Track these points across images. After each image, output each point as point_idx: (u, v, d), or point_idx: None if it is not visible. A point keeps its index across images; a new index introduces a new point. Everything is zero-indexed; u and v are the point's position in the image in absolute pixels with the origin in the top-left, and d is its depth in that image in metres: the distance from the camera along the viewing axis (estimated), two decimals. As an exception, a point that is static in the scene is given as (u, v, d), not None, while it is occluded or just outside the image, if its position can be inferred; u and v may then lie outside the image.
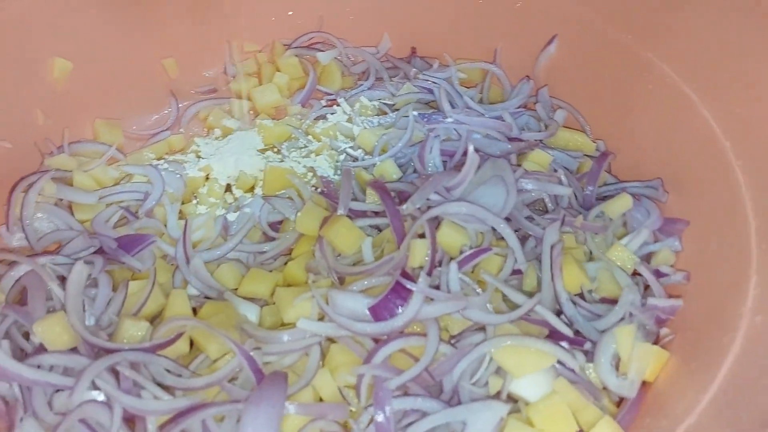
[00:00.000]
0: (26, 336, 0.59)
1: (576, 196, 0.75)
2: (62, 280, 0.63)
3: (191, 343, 0.61)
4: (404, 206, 0.65)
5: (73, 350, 0.57)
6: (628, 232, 0.71)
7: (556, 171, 0.75)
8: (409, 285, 0.58)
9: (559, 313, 0.63)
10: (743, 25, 0.64)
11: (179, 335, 0.58)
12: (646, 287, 0.66)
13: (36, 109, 0.77)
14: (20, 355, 0.58)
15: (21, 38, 0.73)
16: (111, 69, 0.83)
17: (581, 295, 0.65)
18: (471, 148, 0.67)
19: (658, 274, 0.66)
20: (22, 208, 0.70)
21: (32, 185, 0.71)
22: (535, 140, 0.78)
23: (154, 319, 0.63)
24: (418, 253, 0.62)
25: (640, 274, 0.66)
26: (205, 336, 0.58)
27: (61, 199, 0.74)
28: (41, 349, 0.57)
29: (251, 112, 0.91)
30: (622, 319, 0.62)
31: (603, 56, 0.80)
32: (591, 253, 0.69)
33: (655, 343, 0.62)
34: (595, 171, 0.76)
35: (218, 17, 0.91)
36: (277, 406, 0.52)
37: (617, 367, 0.59)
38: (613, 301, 0.64)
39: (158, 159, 0.82)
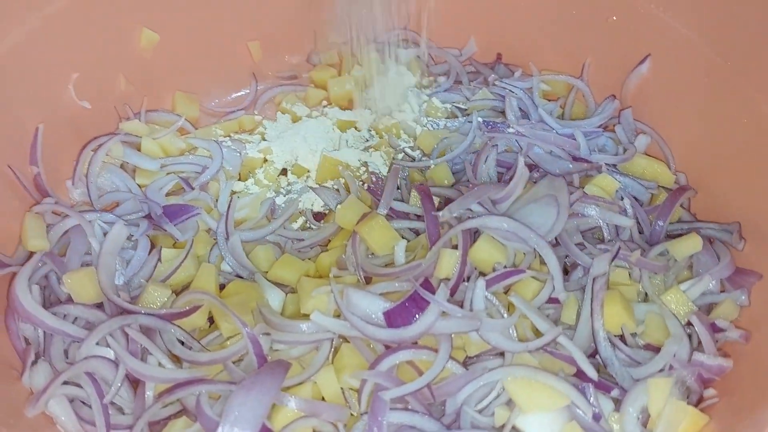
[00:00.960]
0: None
1: (642, 229, 0.69)
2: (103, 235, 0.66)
3: (212, 319, 0.62)
4: (441, 212, 0.62)
5: (99, 306, 0.60)
6: (694, 277, 0.65)
7: (622, 199, 0.69)
8: (425, 295, 0.55)
9: (594, 353, 0.58)
10: None
11: (196, 308, 0.59)
12: (699, 342, 0.59)
13: (119, 74, 0.81)
14: (55, 302, 0.61)
15: (114, 6, 0.77)
16: (196, 45, 0.86)
17: (622, 338, 0.59)
18: (521, 161, 0.63)
19: (715, 328, 0.59)
20: (89, 165, 0.74)
21: (102, 145, 0.75)
22: (606, 164, 0.72)
23: (185, 289, 0.65)
24: (446, 263, 0.59)
25: (693, 325, 0.60)
26: (221, 314, 0.59)
27: (127, 162, 0.77)
28: (70, 299, 0.59)
29: (325, 101, 0.91)
30: (662, 370, 0.56)
31: (697, 82, 0.73)
32: (645, 294, 0.63)
33: (697, 404, 0.55)
34: (668, 205, 0.69)
35: (307, 7, 0.91)
36: (269, 394, 0.51)
37: (645, 424, 0.54)
38: (659, 350, 0.58)
39: (225, 136, 0.84)
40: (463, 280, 0.59)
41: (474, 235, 0.62)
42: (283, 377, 0.53)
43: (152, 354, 0.55)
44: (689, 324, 0.60)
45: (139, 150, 0.78)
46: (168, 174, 0.76)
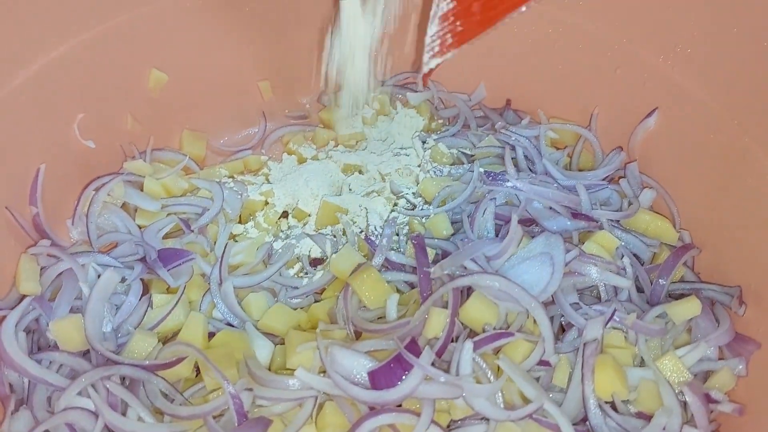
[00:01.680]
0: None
1: (641, 288, 0.67)
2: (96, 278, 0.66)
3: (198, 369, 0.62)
4: (433, 269, 0.61)
5: (86, 353, 0.60)
6: (692, 341, 0.63)
7: (622, 257, 0.67)
8: (408, 358, 0.54)
9: (584, 420, 0.56)
10: None
11: (180, 359, 0.58)
12: (692, 415, 0.57)
13: (127, 113, 0.82)
14: (44, 346, 0.61)
15: (123, 47, 0.78)
16: (206, 84, 0.87)
17: (613, 405, 0.57)
18: (514, 219, 0.62)
19: (709, 399, 0.57)
20: (90, 205, 0.74)
21: (104, 185, 0.76)
22: (608, 220, 0.71)
23: (174, 336, 0.65)
24: (435, 322, 0.58)
25: (685, 394, 0.58)
26: (205, 366, 0.58)
27: (127, 203, 0.78)
28: (56, 346, 0.59)
29: (333, 142, 0.91)
30: (652, 443, 0.54)
31: (705, 139, 0.72)
32: (642, 359, 0.61)
33: (688, 481, 0.53)
34: (670, 264, 0.68)
35: (318, 48, 0.92)
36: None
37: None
38: (650, 418, 0.56)
39: (230, 177, 0.85)
40: (452, 340, 0.58)
41: (467, 291, 0.61)
42: (262, 436, 0.52)
43: (132, 407, 0.55)
44: (682, 393, 0.58)
45: (141, 190, 0.79)
46: (168, 215, 0.77)
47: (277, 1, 0.85)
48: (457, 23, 0.57)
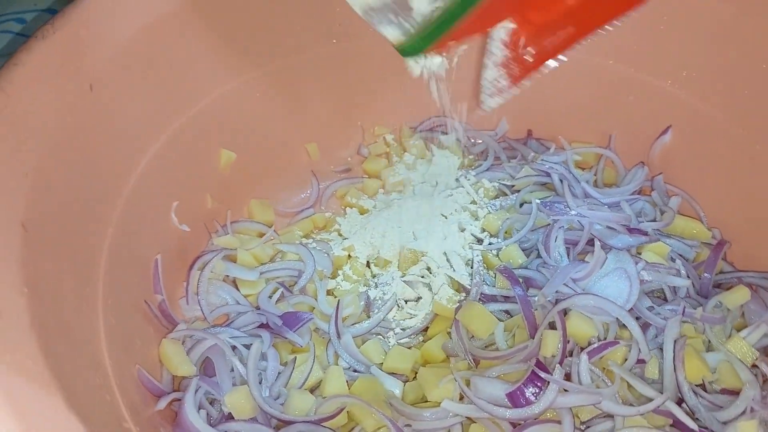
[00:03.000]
0: (209, 401, 0.70)
1: (693, 284, 0.79)
2: (232, 348, 0.74)
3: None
4: (536, 297, 0.72)
5: (253, 419, 0.68)
6: (747, 323, 0.76)
7: (674, 261, 0.80)
8: (544, 375, 0.65)
9: (680, 402, 0.68)
10: None
11: (341, 410, 0.67)
12: (765, 380, 0.70)
13: (206, 194, 0.90)
14: (207, 419, 0.69)
15: (199, 134, 0.85)
16: (265, 155, 0.96)
17: (702, 386, 0.70)
18: (598, 245, 0.74)
19: (779, 368, 0.70)
20: (198, 283, 0.82)
21: (207, 264, 0.83)
22: (655, 230, 0.83)
23: (313, 390, 0.73)
24: (551, 343, 0.69)
25: (758, 367, 0.71)
26: (362, 411, 0.67)
27: (228, 276, 0.85)
28: (228, 417, 0.67)
29: (381, 189, 1.00)
30: (744, 413, 0.66)
31: (717, 147, 0.85)
32: (710, 342, 0.74)
33: (777, 438, 0.66)
34: (713, 260, 0.81)
35: (353, 106, 1.02)
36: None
37: (739, 461, 0.64)
38: (733, 392, 0.69)
39: (305, 236, 0.93)
40: (566, 356, 0.69)
41: (563, 311, 0.72)
42: (435, 464, 0.62)
43: (315, 458, 0.63)
44: (755, 366, 0.71)
45: (235, 261, 0.87)
46: (267, 281, 0.85)
47: (309, 70, 0.94)
48: (513, 67, 0.64)
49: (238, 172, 0.93)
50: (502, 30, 0.53)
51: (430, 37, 0.49)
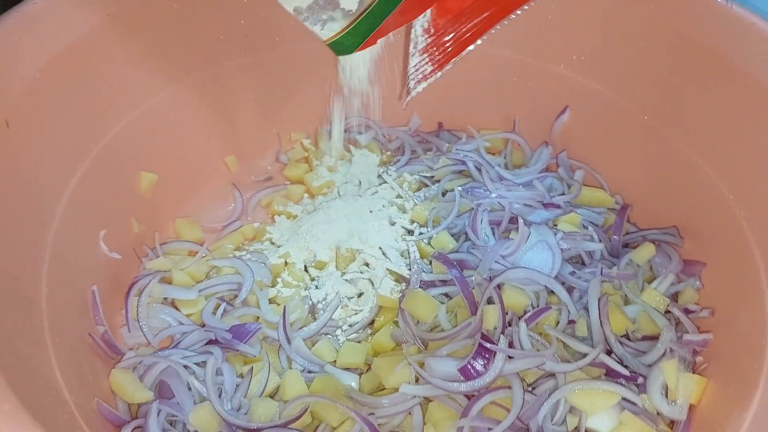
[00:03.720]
0: (170, 423, 0.70)
1: (605, 247, 0.87)
2: (185, 368, 0.74)
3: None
4: (473, 277, 0.78)
5: (219, 433, 0.69)
6: (655, 275, 0.84)
7: (586, 228, 0.88)
8: (490, 347, 0.70)
9: (609, 353, 0.75)
10: (730, 94, 0.77)
11: (305, 409, 0.69)
12: (678, 323, 0.79)
13: (131, 218, 0.88)
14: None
15: (116, 160, 0.84)
16: (185, 174, 0.95)
17: (626, 336, 0.77)
18: (521, 222, 0.80)
19: (687, 311, 0.79)
20: (138, 310, 0.81)
21: (143, 289, 0.82)
22: (566, 202, 0.91)
23: (273, 396, 0.75)
24: (491, 317, 0.74)
25: (671, 312, 0.79)
26: (325, 407, 0.70)
27: (166, 298, 0.85)
28: (194, 436, 0.68)
29: (306, 194, 1.03)
30: (664, 354, 0.74)
31: (611, 121, 0.94)
32: (626, 297, 0.82)
33: (693, 371, 0.74)
34: (618, 223, 0.89)
35: (267, 115, 1.03)
36: (402, 461, 0.63)
37: (666, 395, 0.72)
38: (653, 338, 0.77)
39: (237, 248, 0.94)
40: (506, 326, 0.74)
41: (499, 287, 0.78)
42: (404, 445, 0.65)
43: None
44: (667, 312, 0.79)
45: (171, 283, 0.86)
46: (207, 297, 0.85)
47: (221, 84, 0.95)
48: (435, 53, 0.68)
49: (160, 194, 0.92)
50: (424, 19, 0.57)
51: (360, 34, 0.51)
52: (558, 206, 0.89)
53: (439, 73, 0.67)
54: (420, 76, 0.72)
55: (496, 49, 0.98)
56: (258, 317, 0.83)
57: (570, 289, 0.81)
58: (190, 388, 0.72)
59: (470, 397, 0.70)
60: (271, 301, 0.86)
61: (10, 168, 0.67)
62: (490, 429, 0.67)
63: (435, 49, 0.62)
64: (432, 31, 0.55)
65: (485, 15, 0.54)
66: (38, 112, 0.71)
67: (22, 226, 0.68)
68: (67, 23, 0.74)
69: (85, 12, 0.75)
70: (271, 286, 0.88)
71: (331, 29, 0.52)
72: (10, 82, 0.68)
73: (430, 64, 0.68)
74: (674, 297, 0.82)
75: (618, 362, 0.73)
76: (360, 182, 1.02)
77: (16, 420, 0.45)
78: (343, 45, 0.53)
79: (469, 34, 0.61)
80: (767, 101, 0.71)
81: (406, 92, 0.77)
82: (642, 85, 0.88)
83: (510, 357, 0.70)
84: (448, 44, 0.62)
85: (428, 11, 0.56)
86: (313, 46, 0.67)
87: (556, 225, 0.87)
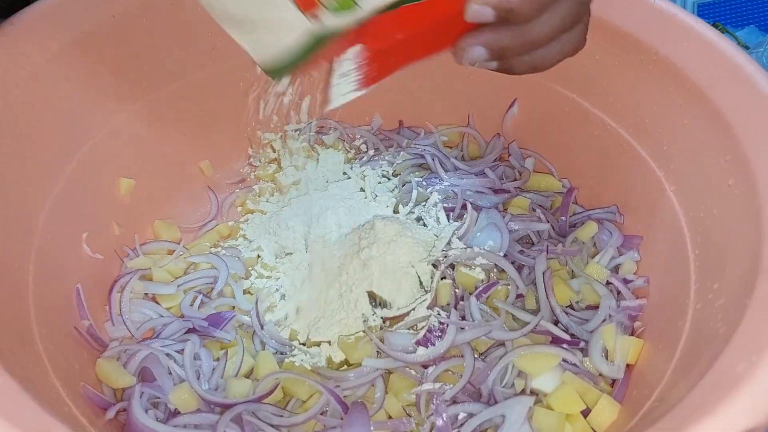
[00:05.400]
0: (154, 405, 0.76)
1: (553, 227, 0.94)
2: (167, 356, 0.80)
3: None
4: (427, 258, 0.84)
5: (197, 411, 0.75)
6: (598, 250, 0.91)
7: (534, 210, 0.95)
8: (443, 320, 0.77)
9: (556, 322, 0.82)
10: (654, 80, 0.84)
11: (276, 386, 0.76)
12: (618, 292, 0.86)
13: (112, 222, 0.95)
14: (155, 419, 0.75)
15: (95, 168, 0.90)
16: (162, 179, 1.02)
17: (571, 306, 0.84)
18: (469, 207, 0.87)
19: (625, 281, 0.86)
20: (120, 305, 0.87)
21: (125, 286, 0.89)
22: (515, 188, 0.98)
23: (248, 377, 0.81)
24: (444, 293, 0.81)
25: (611, 283, 0.86)
26: (295, 383, 0.76)
27: (147, 294, 0.91)
28: (175, 413, 0.74)
29: (277, 192, 1.09)
30: (604, 320, 0.81)
31: (556, 111, 1.00)
32: (572, 271, 0.89)
33: (632, 334, 0.81)
34: (565, 205, 0.96)
35: (238, 120, 1.09)
36: (366, 426, 0.70)
37: (607, 357, 0.79)
38: (595, 307, 0.84)
39: (213, 246, 1.00)
40: (459, 302, 0.81)
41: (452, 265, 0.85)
42: (368, 412, 0.72)
43: (263, 430, 0.72)
44: (608, 283, 0.87)
45: (151, 280, 0.92)
46: (186, 291, 0.91)
47: (192, 93, 1.01)
48: (358, 75, 0.70)
49: (138, 198, 0.99)
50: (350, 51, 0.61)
51: (286, 67, 0.56)
52: (508, 191, 0.96)
53: (362, 92, 0.70)
54: (341, 93, 0.74)
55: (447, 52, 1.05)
56: (233, 306, 0.90)
57: (520, 268, 0.88)
58: (170, 373, 0.78)
59: (426, 366, 0.77)
60: (245, 291, 0.92)
61: (-5, 177, 0.74)
62: (444, 393, 0.73)
63: (359, 72, 0.65)
64: (358, 60, 0.59)
65: (403, 55, 0.59)
66: (19, 123, 0.77)
67: (8, 229, 0.74)
68: (43, 41, 0.80)
69: (59, 30, 0.81)
70: (245, 278, 0.94)
71: (260, 54, 0.55)
72: (-10, 98, 0.74)
73: (353, 83, 0.70)
74: (615, 269, 0.89)
75: (563, 330, 0.80)
76: (327, 180, 1.09)
77: (8, 391, 0.51)
78: (271, 72, 0.56)
79: (392, 66, 0.64)
80: (685, 85, 0.78)
81: (324, 103, 0.79)
82: (577, 73, 0.94)
83: (462, 328, 0.77)
84: (371, 71, 0.64)
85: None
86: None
87: (506, 209, 0.94)
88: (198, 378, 0.77)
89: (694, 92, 0.78)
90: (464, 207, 0.94)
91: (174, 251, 0.98)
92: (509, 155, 1.06)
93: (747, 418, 0.48)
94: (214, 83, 1.01)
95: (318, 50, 0.54)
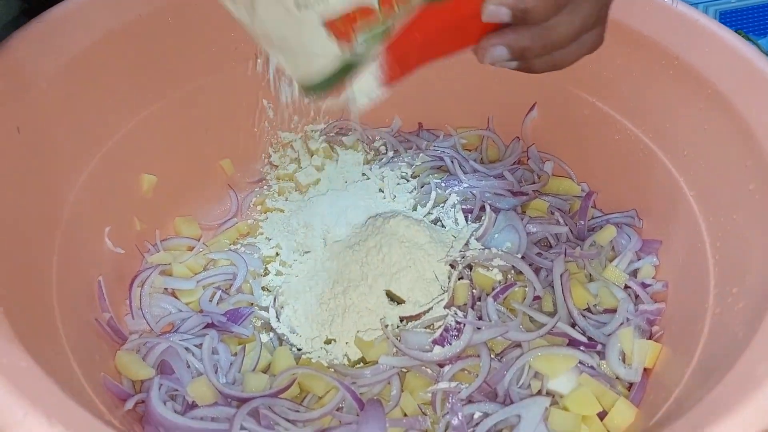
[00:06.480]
0: (172, 397, 0.77)
1: (571, 231, 0.94)
2: (185, 350, 0.81)
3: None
4: (445, 258, 0.85)
5: (214, 404, 0.75)
6: (617, 254, 0.91)
7: (553, 213, 0.95)
8: (460, 319, 0.77)
9: (573, 325, 0.82)
10: (670, 82, 0.84)
11: (293, 381, 0.76)
12: (637, 296, 0.85)
13: (133, 217, 0.96)
14: (172, 411, 0.76)
15: (119, 162, 0.92)
16: (184, 176, 1.03)
17: (588, 309, 0.84)
18: (488, 208, 0.88)
19: (644, 285, 0.85)
20: (141, 299, 0.88)
21: (145, 280, 0.90)
22: (534, 191, 0.98)
23: (265, 372, 0.82)
24: (462, 293, 0.81)
25: (630, 287, 0.86)
26: (312, 378, 0.77)
27: (166, 288, 0.92)
28: (192, 405, 0.75)
29: (296, 192, 1.10)
30: (622, 323, 0.81)
31: (576, 115, 1.00)
32: (590, 275, 0.88)
33: (650, 338, 0.81)
34: (584, 208, 0.96)
35: (259, 119, 1.11)
36: (381, 423, 0.70)
37: (624, 361, 0.78)
38: (613, 311, 0.83)
39: (232, 243, 1.01)
40: (476, 302, 0.81)
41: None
42: (383, 409, 0.72)
43: (278, 424, 0.72)
44: (627, 288, 0.86)
45: (171, 275, 0.93)
46: (205, 287, 0.92)
47: (216, 92, 1.03)
48: (382, 73, 0.71)
49: (160, 194, 1.00)
50: None
51: (320, 87, 0.58)
52: (526, 194, 0.96)
53: (385, 92, 0.70)
54: (365, 92, 0.74)
55: (469, 53, 1.05)
56: (252, 303, 0.91)
57: (537, 270, 0.88)
58: (188, 366, 0.79)
59: (443, 366, 0.77)
60: (263, 288, 0.93)
61: (22, 170, 0.75)
62: (459, 392, 0.73)
63: (381, 72, 0.65)
64: (378, 60, 0.60)
65: (425, 55, 0.61)
66: (46, 119, 0.79)
67: (33, 222, 0.75)
68: (71, 38, 0.82)
69: (87, 27, 0.83)
70: (264, 275, 0.95)
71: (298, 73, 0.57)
72: (20, 93, 0.76)
73: (375, 82, 0.70)
74: (634, 273, 0.89)
75: (581, 333, 0.80)
76: (346, 181, 1.10)
77: (32, 376, 0.52)
78: (308, 91, 0.58)
79: (413, 66, 0.65)
80: (706, 90, 0.78)
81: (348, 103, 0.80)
82: (600, 79, 0.94)
83: (478, 328, 0.77)
84: (392, 70, 0.65)
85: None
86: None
87: (524, 212, 0.95)
88: (216, 372, 0.78)
89: (716, 97, 0.78)
90: (482, 209, 0.94)
91: (194, 248, 1.00)
92: (528, 158, 1.06)
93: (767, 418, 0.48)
94: (237, 83, 1.02)
95: (350, 73, 0.56)
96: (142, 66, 0.91)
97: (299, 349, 0.85)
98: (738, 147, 0.74)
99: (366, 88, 0.74)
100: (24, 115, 0.76)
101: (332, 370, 0.79)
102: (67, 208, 0.82)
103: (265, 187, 1.12)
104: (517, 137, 1.09)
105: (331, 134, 1.15)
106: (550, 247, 0.92)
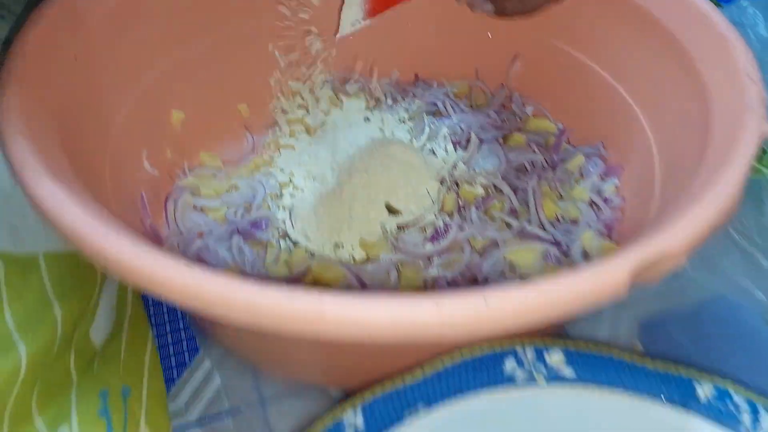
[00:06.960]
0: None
1: (546, 160, 1.09)
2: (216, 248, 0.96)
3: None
4: (436, 176, 1.00)
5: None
6: (584, 178, 1.06)
7: (530, 145, 1.10)
8: (447, 221, 0.92)
9: (543, 230, 0.97)
10: (630, 28, 0.98)
11: (308, 268, 0.91)
12: (599, 208, 1.00)
13: (166, 147, 1.10)
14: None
15: (156, 97, 1.06)
16: (207, 116, 1.17)
17: (557, 219, 0.99)
18: (473, 137, 1.03)
19: (606, 200, 1.00)
20: (175, 213, 1.03)
21: (178, 199, 1.04)
22: (515, 128, 1.13)
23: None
24: (449, 203, 0.96)
25: (595, 203, 1.01)
26: (324, 267, 0.91)
27: (195, 206, 1.07)
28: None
29: (306, 133, 1.24)
30: (584, 229, 0.96)
31: (552, 63, 1.15)
32: (560, 194, 1.03)
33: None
34: (558, 142, 1.11)
35: (272, 69, 1.25)
36: (381, 297, 0.85)
37: (585, 257, 0.93)
38: (577, 222, 0.98)
39: (251, 173, 1.16)
40: (461, 210, 0.96)
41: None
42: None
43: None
44: (592, 204, 1.01)
45: (199, 195, 1.08)
46: (228, 207, 1.07)
47: (237, 44, 1.17)
48: (366, 4, 0.79)
49: (187, 130, 1.14)
50: None
51: None
52: (508, 129, 1.11)
53: (368, 22, 0.79)
54: (350, 21, 0.83)
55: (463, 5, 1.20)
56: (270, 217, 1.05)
57: (515, 190, 1.03)
58: (220, 258, 0.93)
59: (432, 260, 0.92)
60: (279, 207, 1.08)
61: (80, 91, 0.89)
62: (446, 276, 0.88)
63: (364, 3, 0.74)
64: None
65: None
66: (99, 50, 0.93)
67: (90, 136, 0.90)
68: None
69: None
70: (280, 198, 1.10)
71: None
72: (77, 27, 0.90)
73: (360, 12, 0.79)
74: (597, 192, 1.04)
75: (550, 237, 0.95)
76: (350, 123, 1.24)
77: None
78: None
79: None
80: (658, 32, 0.93)
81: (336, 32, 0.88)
82: (573, 30, 1.09)
83: (462, 229, 0.92)
84: (376, 2, 0.73)
85: None
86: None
87: (506, 143, 1.09)
88: (243, 264, 0.93)
89: (666, 37, 0.92)
90: (469, 140, 1.09)
91: (217, 176, 1.14)
92: (512, 103, 1.21)
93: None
94: (260, 34, 1.17)
95: None
96: (181, 11, 1.05)
97: (312, 254, 0.99)
98: (682, 76, 0.89)
99: (351, 17, 0.86)
100: (80, 46, 0.90)
101: (341, 264, 0.94)
102: (114, 128, 0.96)
103: (278, 128, 1.26)
104: (502, 84, 1.23)
105: (336, 83, 1.29)
106: (527, 172, 1.07)
